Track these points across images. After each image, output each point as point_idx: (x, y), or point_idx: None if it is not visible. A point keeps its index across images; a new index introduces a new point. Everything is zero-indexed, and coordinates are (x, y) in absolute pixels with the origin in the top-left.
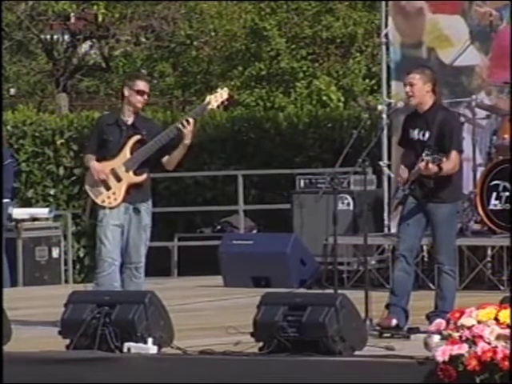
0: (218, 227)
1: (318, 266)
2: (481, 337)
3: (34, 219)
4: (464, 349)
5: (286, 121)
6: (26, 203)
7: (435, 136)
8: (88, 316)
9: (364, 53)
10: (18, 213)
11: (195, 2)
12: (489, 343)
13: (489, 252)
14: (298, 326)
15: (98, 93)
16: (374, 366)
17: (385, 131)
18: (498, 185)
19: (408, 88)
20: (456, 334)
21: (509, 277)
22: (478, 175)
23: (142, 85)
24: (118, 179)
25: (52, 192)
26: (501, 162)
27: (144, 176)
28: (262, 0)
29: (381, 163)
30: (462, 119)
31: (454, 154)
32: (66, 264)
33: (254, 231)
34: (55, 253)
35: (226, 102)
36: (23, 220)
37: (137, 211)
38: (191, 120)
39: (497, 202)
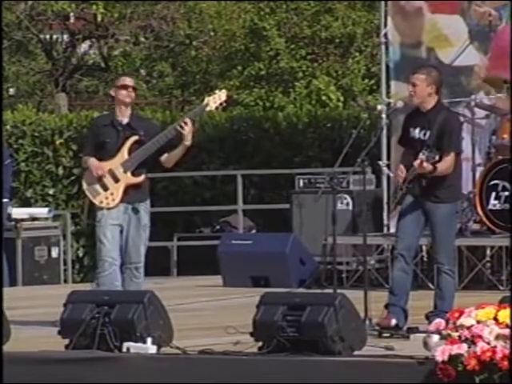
0: (217, 227)
1: (317, 265)
2: (480, 336)
3: (34, 219)
4: (463, 348)
5: (285, 120)
6: (26, 203)
7: (435, 135)
8: (87, 316)
9: (363, 53)
10: (18, 212)
11: (194, 1)
12: (488, 343)
13: (488, 252)
14: (297, 326)
15: (97, 92)
16: (373, 366)
17: (384, 131)
18: (497, 184)
19: (411, 87)
20: (455, 334)
21: (508, 277)
22: (477, 175)
23: (125, 80)
24: (116, 180)
25: (51, 192)
26: (500, 162)
27: (142, 177)
28: (261, 0)
29: (380, 163)
30: (462, 119)
31: (451, 155)
32: (65, 264)
33: (253, 231)
34: (54, 252)
35: (224, 104)
36: (22, 220)
37: (136, 211)
38: (189, 121)
39: (496, 201)
